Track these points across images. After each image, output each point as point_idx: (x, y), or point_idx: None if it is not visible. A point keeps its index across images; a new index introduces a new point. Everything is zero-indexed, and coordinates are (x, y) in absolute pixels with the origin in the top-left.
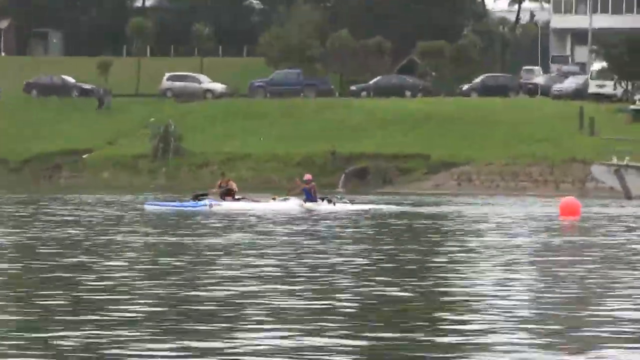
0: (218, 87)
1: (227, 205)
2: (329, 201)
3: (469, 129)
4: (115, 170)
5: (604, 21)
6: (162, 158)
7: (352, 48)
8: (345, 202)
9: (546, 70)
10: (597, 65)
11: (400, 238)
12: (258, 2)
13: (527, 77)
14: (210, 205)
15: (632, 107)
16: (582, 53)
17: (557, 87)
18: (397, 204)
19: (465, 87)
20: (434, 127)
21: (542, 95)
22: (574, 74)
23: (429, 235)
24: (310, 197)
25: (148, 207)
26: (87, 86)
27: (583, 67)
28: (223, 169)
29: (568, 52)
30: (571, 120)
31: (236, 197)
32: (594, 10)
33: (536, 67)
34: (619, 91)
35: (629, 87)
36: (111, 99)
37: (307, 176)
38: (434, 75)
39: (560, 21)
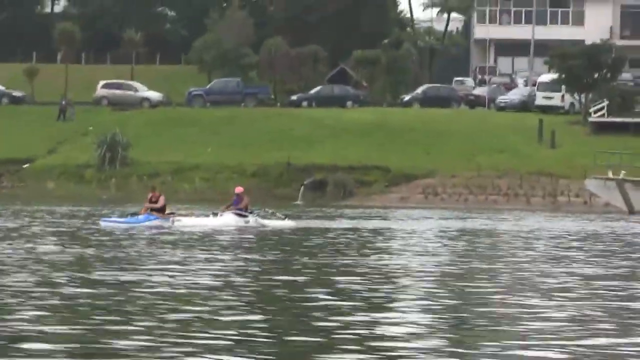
0: (155, 95)
1: (187, 221)
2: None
3: (423, 139)
4: (60, 180)
5: (525, 32)
6: (109, 168)
7: (287, 56)
8: (280, 218)
9: (476, 81)
10: (545, 77)
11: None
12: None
13: (460, 89)
14: (172, 221)
15: (590, 119)
16: (506, 63)
17: (502, 98)
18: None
19: (407, 97)
20: (387, 138)
21: (482, 107)
22: (503, 85)
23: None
24: (237, 208)
25: (104, 224)
26: (17, 93)
27: (511, 78)
28: (174, 179)
29: (491, 63)
30: (526, 132)
31: (166, 212)
32: (516, 21)
33: (467, 78)
34: (567, 103)
35: (582, 100)
36: (75, 111)
37: (238, 189)
38: (365, 86)
39: (483, 32)
